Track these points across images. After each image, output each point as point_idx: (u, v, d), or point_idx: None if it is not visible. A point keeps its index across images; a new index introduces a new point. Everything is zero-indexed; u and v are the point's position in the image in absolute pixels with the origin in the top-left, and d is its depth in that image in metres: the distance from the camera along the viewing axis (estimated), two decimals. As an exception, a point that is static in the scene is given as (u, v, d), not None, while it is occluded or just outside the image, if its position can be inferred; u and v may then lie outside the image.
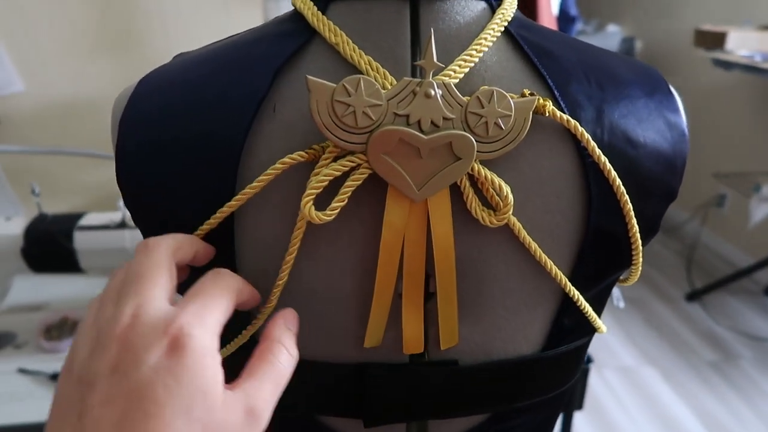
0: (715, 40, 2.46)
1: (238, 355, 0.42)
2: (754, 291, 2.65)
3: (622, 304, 0.98)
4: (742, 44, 2.41)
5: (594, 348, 2.23)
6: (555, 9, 1.50)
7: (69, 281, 1.30)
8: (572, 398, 0.98)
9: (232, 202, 0.36)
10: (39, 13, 1.38)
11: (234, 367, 0.44)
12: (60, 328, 1.15)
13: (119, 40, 1.43)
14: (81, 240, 1.04)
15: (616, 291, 0.99)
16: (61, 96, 1.44)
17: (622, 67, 0.42)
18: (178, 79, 0.39)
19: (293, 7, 0.41)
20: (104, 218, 1.08)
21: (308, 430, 0.45)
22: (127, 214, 1.07)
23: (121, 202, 1.38)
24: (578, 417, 1.89)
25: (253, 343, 0.41)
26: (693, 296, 2.58)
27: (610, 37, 3.39)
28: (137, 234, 1.04)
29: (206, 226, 0.37)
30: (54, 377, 1.03)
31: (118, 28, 1.42)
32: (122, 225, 1.06)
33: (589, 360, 1.00)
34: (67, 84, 1.43)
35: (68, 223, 1.06)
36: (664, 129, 0.40)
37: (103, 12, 1.40)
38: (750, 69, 2.26)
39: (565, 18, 1.55)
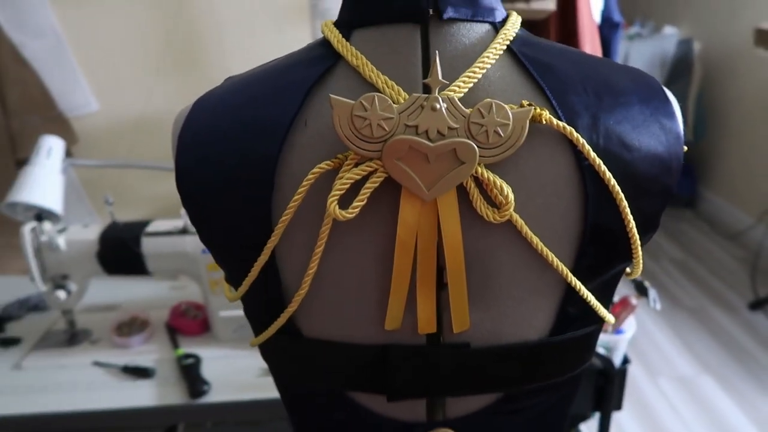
0: (776, 40, 2.38)
1: (276, 339, 0.48)
2: (824, 299, 2.52)
3: (658, 306, 0.99)
4: (805, 43, 2.33)
5: (650, 357, 2.19)
6: (597, 17, 1.52)
7: (139, 284, 1.42)
8: (610, 398, 0.99)
9: (285, 217, 0.42)
10: (111, 39, 1.52)
11: (272, 350, 0.51)
12: (130, 326, 1.26)
13: (182, 60, 1.55)
14: (148, 245, 1.14)
15: (652, 292, 1.00)
16: (131, 114, 1.57)
17: (621, 77, 0.45)
18: (225, 102, 0.46)
19: (322, 35, 0.47)
20: (168, 225, 1.17)
21: (336, 404, 0.51)
22: (188, 220, 1.16)
23: (183, 210, 1.49)
24: (632, 426, 1.86)
25: (290, 328, 0.47)
26: (757, 305, 2.48)
27: (666, 40, 3.32)
28: (198, 240, 1.13)
29: (270, 244, 0.43)
30: (125, 369, 1.13)
31: (181, 49, 1.54)
32: (184, 231, 1.15)
33: (626, 360, 1.01)
34: (136, 103, 1.56)
35: (137, 229, 1.16)
36: (659, 133, 0.44)
37: (167, 36, 1.52)
38: (813, 68, 2.17)
39: (609, 24, 1.56)
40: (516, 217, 0.42)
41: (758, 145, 3.00)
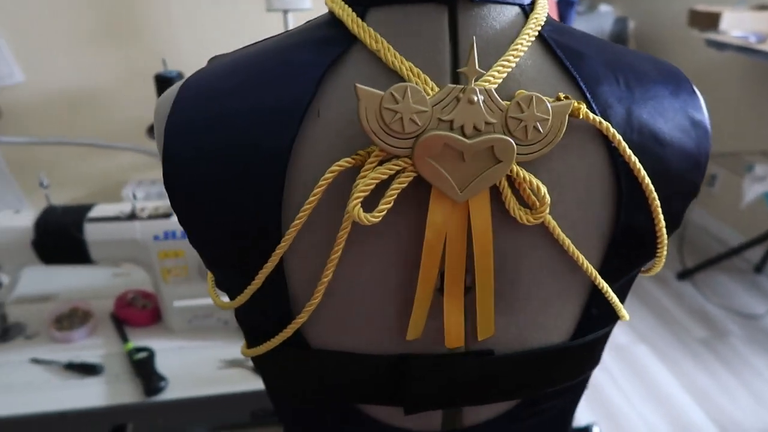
0: (709, 21, 2.48)
1: (278, 350, 0.44)
2: (744, 269, 2.70)
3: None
4: (735, 25, 2.43)
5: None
6: (555, -6, 1.51)
7: (77, 272, 1.31)
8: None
9: (298, 220, 0.37)
10: (41, 4, 1.36)
11: (272, 361, 0.46)
12: (70, 318, 1.16)
13: (122, 29, 1.41)
14: (92, 231, 1.04)
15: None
16: (63, 86, 1.42)
17: (647, 66, 0.43)
18: (220, 87, 0.40)
19: (329, 12, 0.42)
20: (114, 209, 1.08)
21: (348, 418, 0.47)
22: (137, 205, 1.07)
23: (125, 192, 1.38)
24: (575, 395, 1.94)
25: (297, 338, 0.43)
26: (684, 275, 2.63)
27: (603, 18, 3.39)
28: (148, 225, 1.05)
29: (279, 250, 0.38)
30: (69, 367, 1.04)
31: (121, 17, 1.40)
32: (132, 216, 1.07)
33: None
34: (69, 74, 1.41)
35: (78, 214, 1.06)
36: (689, 128, 0.42)
37: (106, 2, 1.38)
38: (743, 50, 2.27)
39: (565, 2, 1.55)
40: (549, 218, 0.39)
41: (686, 123, 3.14)
